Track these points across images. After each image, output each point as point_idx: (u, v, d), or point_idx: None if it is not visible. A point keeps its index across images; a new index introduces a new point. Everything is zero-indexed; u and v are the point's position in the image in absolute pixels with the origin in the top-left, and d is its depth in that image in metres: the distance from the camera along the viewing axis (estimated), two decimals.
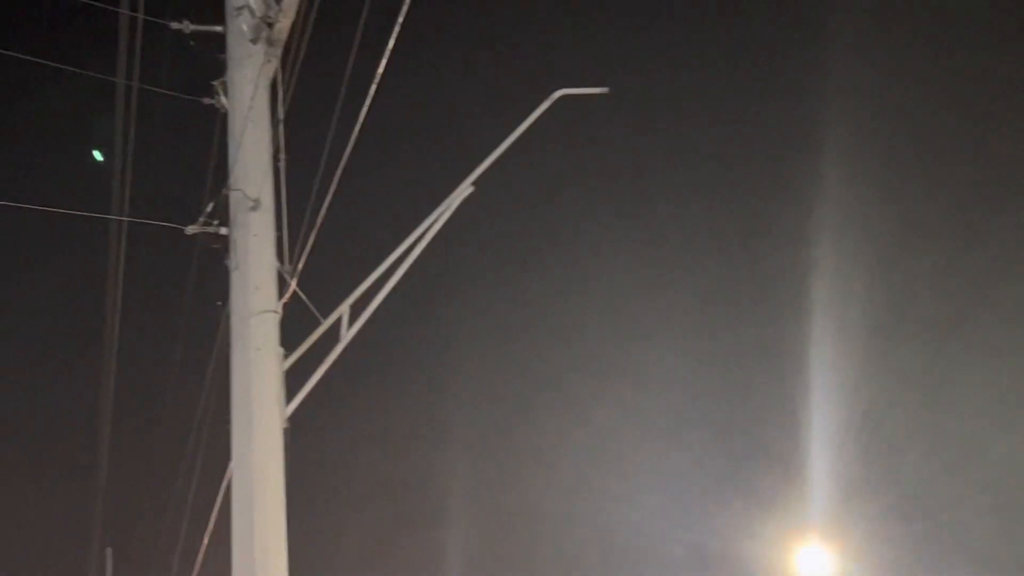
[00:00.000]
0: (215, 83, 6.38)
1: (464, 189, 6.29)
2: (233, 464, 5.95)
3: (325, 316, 6.21)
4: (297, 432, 6.07)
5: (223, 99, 6.34)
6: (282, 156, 6.24)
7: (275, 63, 6.19)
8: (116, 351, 10.55)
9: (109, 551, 19.47)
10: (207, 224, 6.22)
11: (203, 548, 7.55)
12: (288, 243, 6.21)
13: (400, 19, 5.33)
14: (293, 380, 6.08)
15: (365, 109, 5.89)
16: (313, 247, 6.20)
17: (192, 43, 6.51)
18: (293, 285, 6.17)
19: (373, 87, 5.79)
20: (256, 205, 6.03)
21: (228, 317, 6.14)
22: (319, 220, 6.15)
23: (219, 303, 6.45)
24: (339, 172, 6.11)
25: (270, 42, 6.04)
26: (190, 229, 6.25)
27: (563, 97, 6.31)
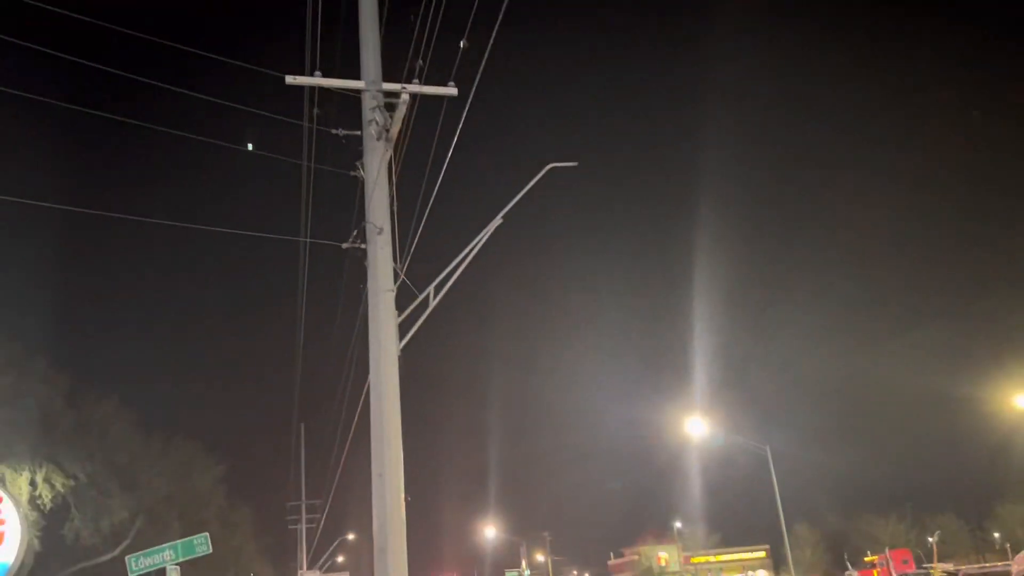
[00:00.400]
0: (357, 163, 9.75)
1: (496, 221, 9.91)
2: (371, 376, 9.45)
3: (420, 293, 9.73)
4: (405, 358, 9.76)
5: (361, 172, 9.71)
6: (395, 203, 9.77)
7: (390, 151, 9.60)
8: (304, 315, 17.41)
9: (302, 425, 34.00)
10: (354, 242, 9.74)
11: (354, 422, 11.20)
12: (399, 252, 9.74)
13: (459, 128, 9.11)
14: (403, 329, 9.61)
15: (441, 175, 9.56)
16: (412, 254, 9.82)
17: (344, 141, 9.83)
18: (402, 275, 9.70)
19: (445, 164, 9.49)
20: (381, 231, 9.55)
21: (367, 294, 9.67)
22: (416, 238, 9.81)
23: (361, 286, 9.94)
24: (427, 212, 9.79)
25: (387, 140, 9.49)
26: (344, 245, 9.82)
27: (551, 168, 9.98)
